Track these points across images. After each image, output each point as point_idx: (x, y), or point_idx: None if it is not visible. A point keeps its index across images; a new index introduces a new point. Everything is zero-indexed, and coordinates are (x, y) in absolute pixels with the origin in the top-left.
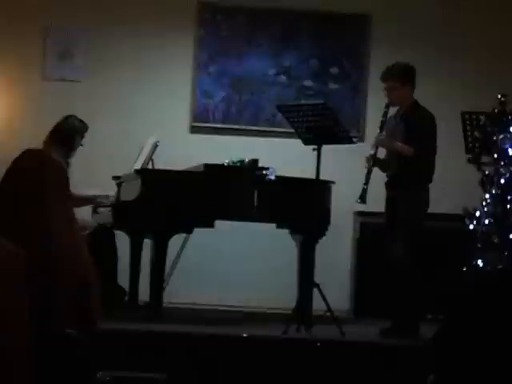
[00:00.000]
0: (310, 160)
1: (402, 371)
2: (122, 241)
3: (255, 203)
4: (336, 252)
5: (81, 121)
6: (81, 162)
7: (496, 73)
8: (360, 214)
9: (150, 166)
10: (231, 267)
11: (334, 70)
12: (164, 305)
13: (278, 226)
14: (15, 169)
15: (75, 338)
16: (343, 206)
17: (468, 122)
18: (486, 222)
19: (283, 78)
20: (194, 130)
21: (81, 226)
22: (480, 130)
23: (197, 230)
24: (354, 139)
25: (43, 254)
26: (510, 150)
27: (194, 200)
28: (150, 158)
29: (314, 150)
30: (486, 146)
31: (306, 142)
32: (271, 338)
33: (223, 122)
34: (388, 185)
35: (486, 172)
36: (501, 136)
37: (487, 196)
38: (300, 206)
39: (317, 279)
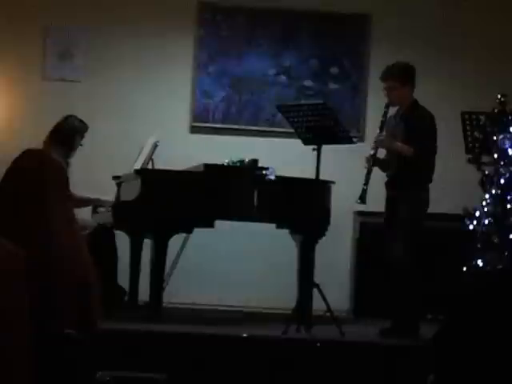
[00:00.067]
0: (309, 160)
1: (402, 371)
2: (122, 241)
3: (255, 203)
4: (336, 252)
5: (81, 121)
6: (81, 162)
7: (496, 73)
8: (360, 213)
9: (149, 166)
10: (231, 267)
11: (334, 70)
12: (164, 305)
13: (277, 226)
14: (15, 169)
15: (75, 338)
16: (343, 205)
17: (468, 122)
18: (486, 222)
19: (283, 78)
20: (194, 130)
21: (81, 226)
22: (480, 129)
23: (197, 230)
24: (354, 139)
25: (43, 254)
26: (509, 149)
27: (193, 200)
28: (149, 158)
29: (313, 150)
30: (485, 146)
31: (306, 142)
32: (271, 338)
33: (223, 122)
34: (388, 185)
35: (486, 172)
36: (501, 136)
37: (487, 196)
38: (300, 206)
39: (317, 279)
